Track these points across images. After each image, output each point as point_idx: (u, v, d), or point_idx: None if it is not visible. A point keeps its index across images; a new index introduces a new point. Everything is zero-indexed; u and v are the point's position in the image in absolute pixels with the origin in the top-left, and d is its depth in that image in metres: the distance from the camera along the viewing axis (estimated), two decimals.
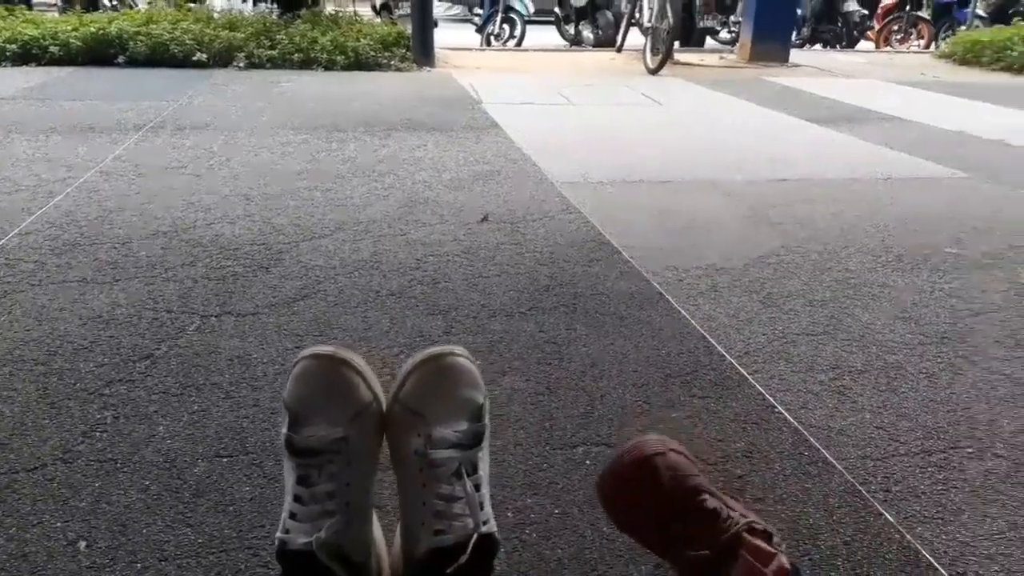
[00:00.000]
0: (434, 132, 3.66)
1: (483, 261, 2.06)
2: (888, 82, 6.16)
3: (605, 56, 7.42)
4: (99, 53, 5.40)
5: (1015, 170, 3.30)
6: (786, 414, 1.38)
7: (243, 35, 5.72)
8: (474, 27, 9.48)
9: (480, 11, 9.23)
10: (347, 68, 5.66)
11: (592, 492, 1.13)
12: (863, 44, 10.43)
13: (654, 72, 6.06)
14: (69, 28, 5.47)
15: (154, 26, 5.60)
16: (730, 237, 2.31)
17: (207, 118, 3.76)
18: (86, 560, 0.99)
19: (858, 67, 7.24)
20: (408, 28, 6.17)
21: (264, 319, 1.68)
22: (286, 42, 5.70)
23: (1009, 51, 7.25)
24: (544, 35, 9.33)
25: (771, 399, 1.43)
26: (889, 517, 1.13)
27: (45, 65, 5.27)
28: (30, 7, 7.51)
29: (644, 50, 6.35)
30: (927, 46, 9.90)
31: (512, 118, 4.04)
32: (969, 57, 7.61)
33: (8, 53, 5.28)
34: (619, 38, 7.58)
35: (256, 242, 2.14)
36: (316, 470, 0.83)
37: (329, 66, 5.63)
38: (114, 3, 8.47)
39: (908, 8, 10.15)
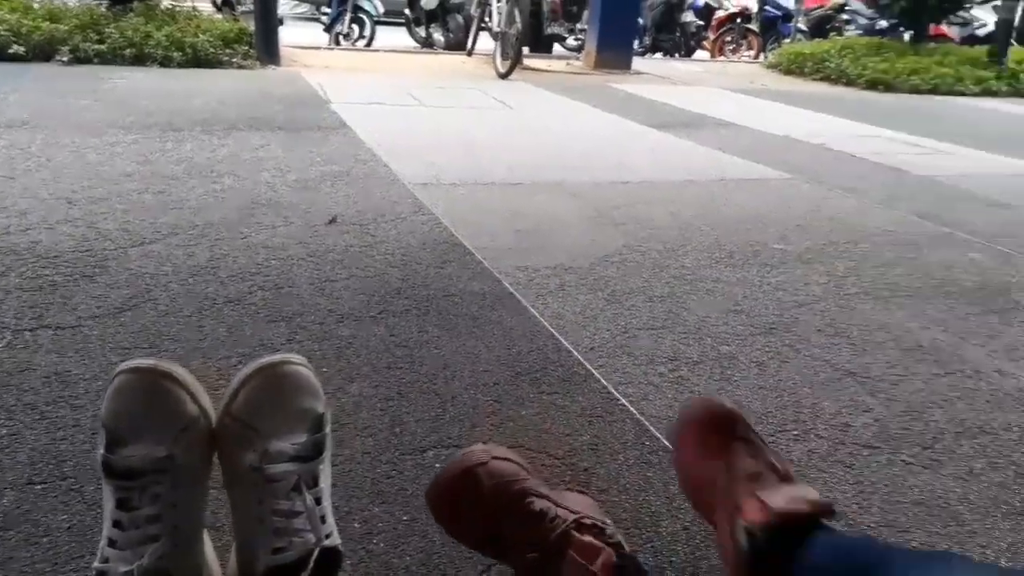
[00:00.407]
0: (279, 131, 3.53)
1: (331, 264, 2.00)
2: (722, 90, 6.56)
3: (456, 59, 7.45)
4: None
5: (833, 172, 3.59)
6: (629, 406, 1.43)
7: (67, 27, 5.27)
8: (322, 26, 9.23)
9: (328, 10, 8.99)
10: (185, 65, 5.36)
11: None
12: (700, 53, 11.07)
13: (504, 76, 6.14)
14: None
15: None
16: (577, 237, 2.37)
17: (24, 115, 3.44)
18: None
19: (695, 75, 7.67)
20: (251, 25, 5.92)
21: (87, 332, 1.55)
22: (116, 36, 5.31)
23: (827, 63, 7.92)
24: (394, 36, 9.23)
25: (615, 392, 1.47)
26: None
27: None
28: None
29: (494, 54, 6.42)
30: (756, 56, 10.65)
31: (362, 118, 3.97)
32: (793, 68, 8.25)
33: None
34: (469, 42, 7.63)
35: (79, 248, 1.97)
36: (138, 492, 0.77)
37: (165, 63, 5.30)
38: None
39: (739, 21, 10.89)
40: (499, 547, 0.90)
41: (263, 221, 2.28)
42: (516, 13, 5.95)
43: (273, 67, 5.73)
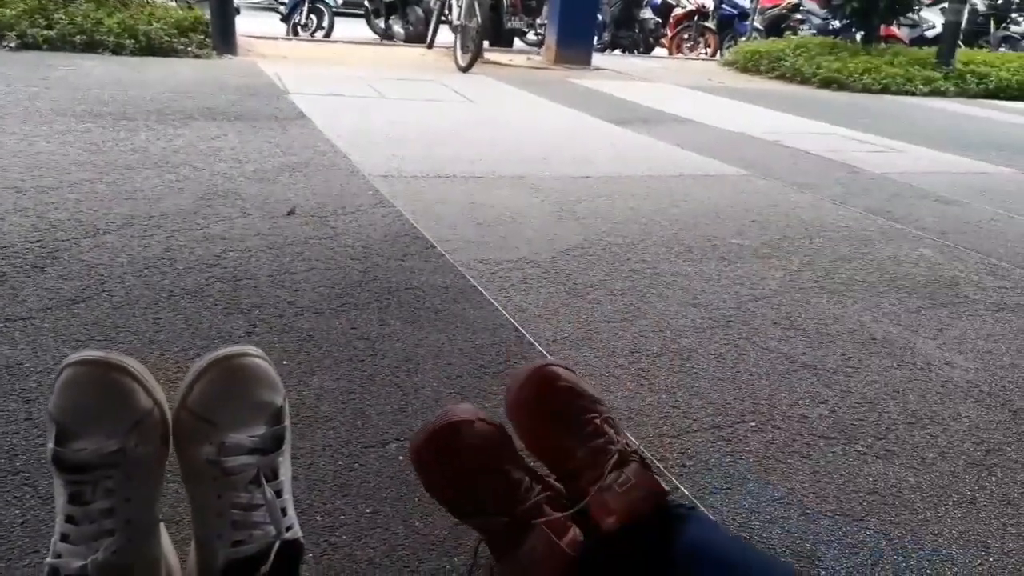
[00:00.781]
0: (236, 121, 3.47)
1: (290, 256, 1.97)
2: (680, 86, 6.62)
3: (416, 52, 7.40)
4: None
5: (788, 168, 3.66)
6: None
7: (13, 12, 5.12)
8: (279, 16, 9.10)
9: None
10: (138, 53, 5.25)
11: (402, 489, 1.12)
12: (658, 50, 11.18)
13: (465, 70, 6.13)
14: None
15: None
16: (539, 231, 2.38)
17: None
18: None
19: (654, 72, 7.73)
20: (207, 13, 5.81)
21: (38, 324, 1.50)
22: (66, 22, 5.18)
23: (782, 61, 8.06)
24: (354, 28, 9.14)
25: None
26: (684, 490, 1.20)
27: None
28: None
29: (455, 48, 6.40)
30: (713, 54, 10.79)
31: (321, 110, 3.92)
32: (749, 65, 8.38)
33: None
34: (429, 34, 7.60)
35: (29, 239, 1.91)
36: (90, 487, 0.75)
37: (117, 50, 5.19)
38: None
39: (696, 19, 11.02)
40: (470, 508, 0.91)
41: (221, 212, 2.24)
42: (476, 6, 5.94)
43: (229, 56, 5.64)
